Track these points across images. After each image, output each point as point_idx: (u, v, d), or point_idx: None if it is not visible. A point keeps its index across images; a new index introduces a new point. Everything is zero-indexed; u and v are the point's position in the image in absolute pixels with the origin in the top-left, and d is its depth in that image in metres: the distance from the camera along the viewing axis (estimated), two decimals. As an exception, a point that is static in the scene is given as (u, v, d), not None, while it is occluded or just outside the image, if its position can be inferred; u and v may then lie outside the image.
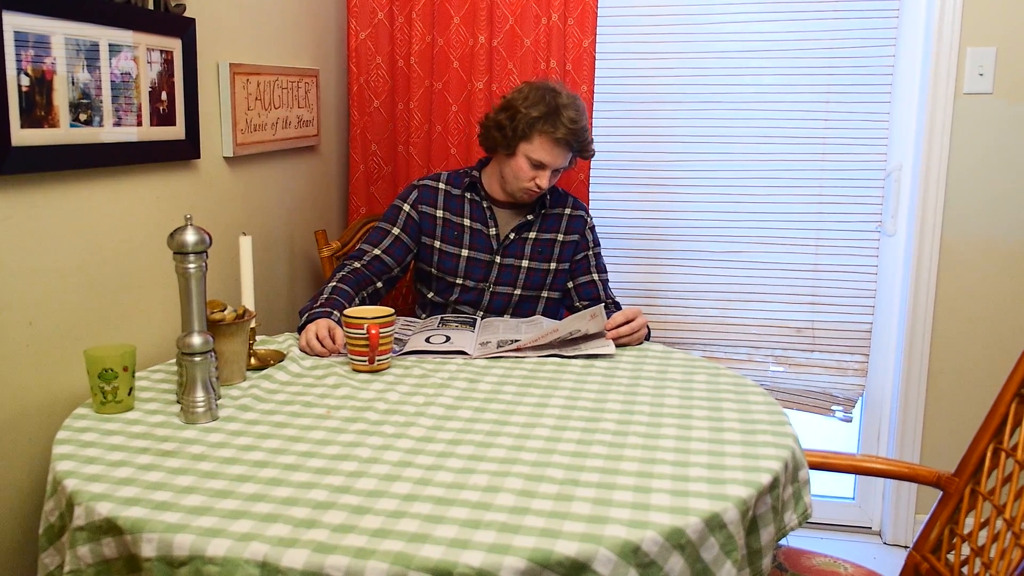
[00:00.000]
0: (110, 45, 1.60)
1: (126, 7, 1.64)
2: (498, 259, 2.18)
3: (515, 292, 2.19)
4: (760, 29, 2.62)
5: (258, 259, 2.22)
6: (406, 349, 1.80)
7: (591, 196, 2.69)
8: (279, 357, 1.73)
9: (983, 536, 1.50)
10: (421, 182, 2.24)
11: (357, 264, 2.11)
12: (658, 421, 1.43)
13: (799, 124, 2.64)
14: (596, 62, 2.59)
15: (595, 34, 2.55)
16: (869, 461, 1.69)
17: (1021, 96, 2.51)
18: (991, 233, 2.58)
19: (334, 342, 1.79)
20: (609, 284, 2.28)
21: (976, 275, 2.60)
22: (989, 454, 1.55)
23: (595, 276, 2.24)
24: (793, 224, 2.68)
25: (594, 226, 2.29)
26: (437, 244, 2.18)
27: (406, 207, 2.19)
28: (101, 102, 1.59)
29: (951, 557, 1.56)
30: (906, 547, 2.67)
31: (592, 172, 2.69)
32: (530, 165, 2.08)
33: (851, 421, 2.73)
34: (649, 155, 2.73)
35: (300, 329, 1.89)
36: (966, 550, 1.53)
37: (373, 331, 1.63)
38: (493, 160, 2.22)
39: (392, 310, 1.71)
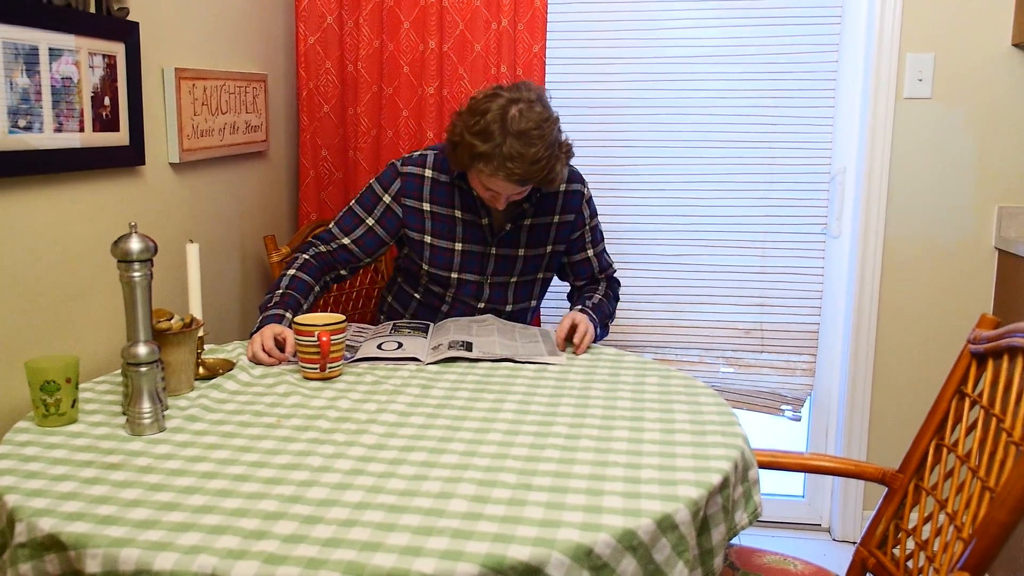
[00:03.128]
0: (50, 49, 1.57)
1: (67, 11, 1.61)
2: (493, 250, 2.06)
3: (512, 280, 2.10)
4: (707, 35, 2.66)
5: (207, 266, 2.18)
6: (358, 356, 1.79)
7: (543, 200, 2.70)
8: (228, 366, 1.71)
9: (927, 530, 1.53)
10: (404, 168, 2.04)
11: (323, 248, 2.04)
12: (610, 424, 1.44)
13: (746, 128, 2.69)
14: (546, 67, 2.60)
15: (545, 39, 2.57)
16: (817, 459, 1.72)
17: (958, 100, 2.59)
18: (932, 233, 2.65)
19: (282, 350, 1.76)
20: (606, 251, 2.21)
21: (918, 275, 2.67)
22: (932, 450, 1.59)
23: (590, 252, 2.16)
24: (741, 227, 2.72)
25: (591, 196, 2.16)
26: (428, 239, 2.04)
27: (387, 198, 2.03)
28: (41, 108, 1.55)
29: (897, 552, 1.60)
30: (855, 543, 2.73)
31: (543, 177, 2.70)
32: (483, 187, 1.94)
33: (800, 420, 2.78)
34: (599, 160, 2.75)
35: (257, 325, 1.85)
36: (911, 544, 1.56)
37: (324, 338, 1.62)
38: None
39: (343, 317, 1.69)
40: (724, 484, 1.25)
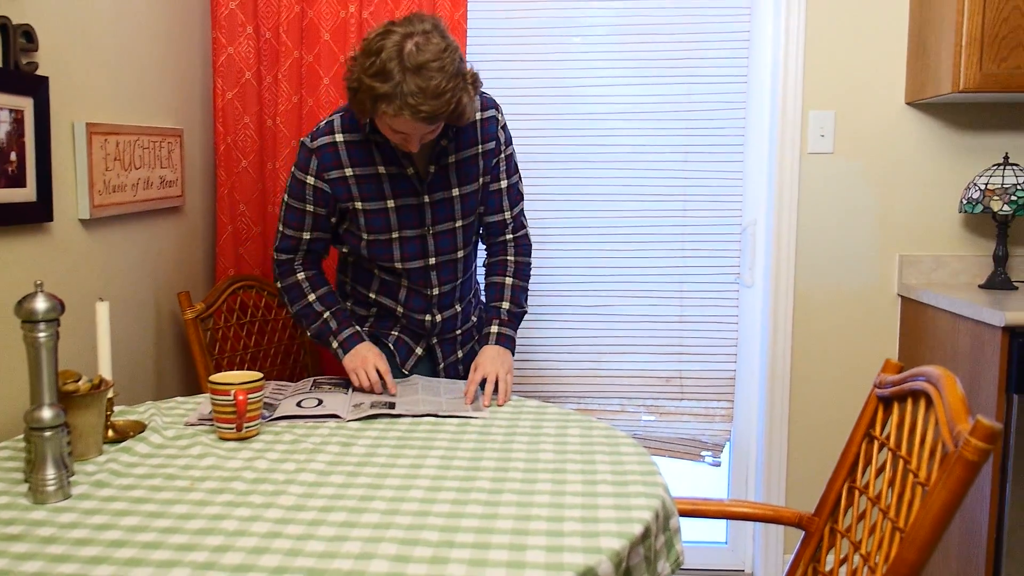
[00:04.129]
0: (-48, 105, 1.52)
1: (-30, 65, 1.57)
2: (427, 198, 1.98)
3: (455, 224, 2.02)
4: (622, 92, 2.74)
5: (118, 325, 2.12)
6: (276, 414, 1.76)
7: (464, 254, 2.71)
8: (139, 428, 1.65)
9: (843, 572, 1.57)
10: (315, 143, 1.94)
11: (298, 257, 2.04)
12: (533, 477, 1.44)
13: (660, 182, 2.77)
14: (465, 123, 2.64)
15: (464, 96, 2.60)
16: (736, 506, 1.75)
17: (858, 155, 2.72)
18: (839, 281, 2.75)
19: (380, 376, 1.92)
20: (520, 192, 2.13)
21: (828, 321, 2.76)
22: (844, 493, 1.63)
23: (503, 184, 2.08)
24: (658, 277, 2.79)
25: (506, 123, 2.09)
26: (359, 205, 1.96)
27: (309, 180, 1.95)
28: (-59, 164, 1.50)
29: (815, 595, 1.63)
30: (777, 587, 2.76)
31: (464, 230, 2.72)
32: (392, 131, 1.82)
33: (720, 465, 2.82)
34: (520, 213, 2.78)
35: (347, 348, 1.97)
36: (828, 587, 1.59)
37: (240, 397, 1.58)
38: None
39: (260, 375, 1.66)
40: (646, 534, 1.26)
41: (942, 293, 2.50)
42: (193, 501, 1.32)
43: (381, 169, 1.95)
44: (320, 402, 1.82)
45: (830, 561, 1.64)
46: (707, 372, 2.81)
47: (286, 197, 2.01)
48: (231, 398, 1.59)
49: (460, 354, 2.20)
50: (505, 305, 2.10)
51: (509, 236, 2.15)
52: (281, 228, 2.05)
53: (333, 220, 2.02)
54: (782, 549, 2.82)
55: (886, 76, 2.70)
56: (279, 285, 2.08)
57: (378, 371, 1.93)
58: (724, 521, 2.93)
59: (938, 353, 2.53)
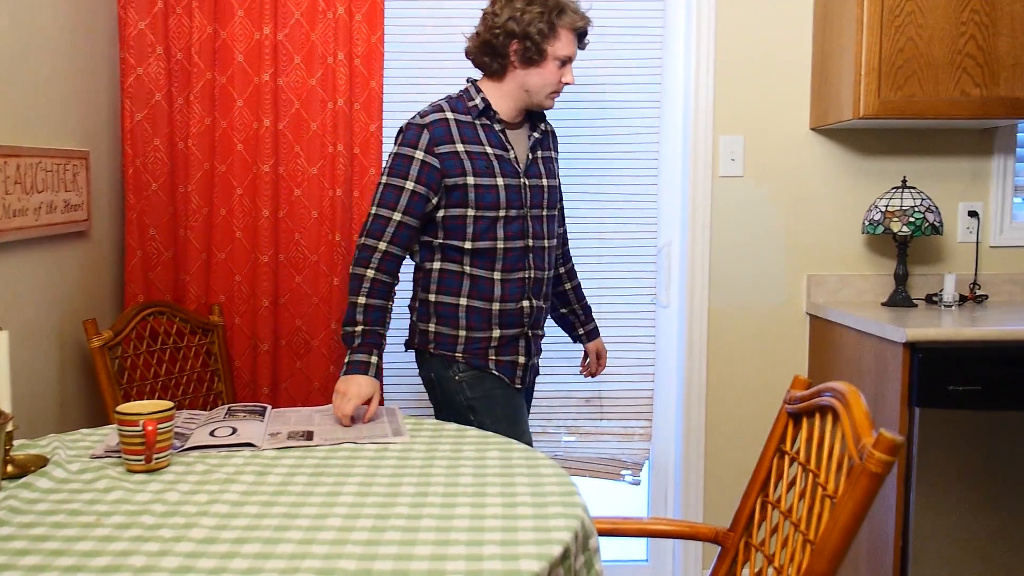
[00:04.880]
0: None
1: None
2: (524, 180, 2.10)
3: (543, 213, 2.14)
4: (538, 116, 2.78)
5: (19, 355, 2.03)
6: (188, 444, 1.71)
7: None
8: (41, 462, 1.59)
9: (758, 586, 1.60)
10: (426, 120, 2.03)
11: (383, 245, 2.01)
12: (452, 501, 1.43)
13: (577, 205, 2.80)
14: (383, 146, 2.63)
15: (382, 119, 2.60)
16: (654, 524, 1.77)
17: (766, 179, 2.81)
18: (751, 301, 2.83)
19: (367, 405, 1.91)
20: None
21: (741, 340, 2.84)
22: (758, 507, 1.67)
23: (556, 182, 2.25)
24: (577, 299, 2.81)
25: None
26: (471, 180, 2.02)
27: (418, 154, 2.01)
28: None
29: (732, 609, 1.66)
30: (696, 603, 2.80)
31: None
32: (558, 65, 2.05)
33: (640, 484, 2.86)
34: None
35: (349, 370, 1.95)
36: (744, 601, 1.63)
37: (150, 428, 1.53)
38: (496, 81, 2.10)
39: (171, 404, 1.61)
40: (565, 555, 1.26)
41: (848, 311, 2.60)
42: (98, 537, 1.27)
43: (488, 149, 2.06)
44: (234, 431, 1.78)
45: (745, 574, 1.67)
46: (626, 392, 2.84)
47: (384, 178, 2.04)
48: (139, 428, 1.54)
49: (536, 361, 2.25)
50: (587, 301, 2.45)
51: (567, 247, 2.41)
52: (373, 210, 2.04)
53: (432, 203, 2.03)
54: (701, 565, 2.86)
55: (792, 102, 2.81)
56: (350, 271, 2.06)
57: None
58: (644, 539, 2.96)
59: (845, 369, 2.62)
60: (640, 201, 2.82)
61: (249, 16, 2.56)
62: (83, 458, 1.65)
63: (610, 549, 2.93)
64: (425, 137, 2.02)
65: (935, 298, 2.76)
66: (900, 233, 2.63)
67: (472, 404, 2.11)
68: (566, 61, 2.06)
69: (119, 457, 1.62)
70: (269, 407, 1.98)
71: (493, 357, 2.13)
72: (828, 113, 2.69)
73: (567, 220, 2.79)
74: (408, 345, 2.22)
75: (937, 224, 2.63)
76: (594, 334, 2.45)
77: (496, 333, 2.12)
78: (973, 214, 2.86)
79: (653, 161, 2.82)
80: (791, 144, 2.82)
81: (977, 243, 2.87)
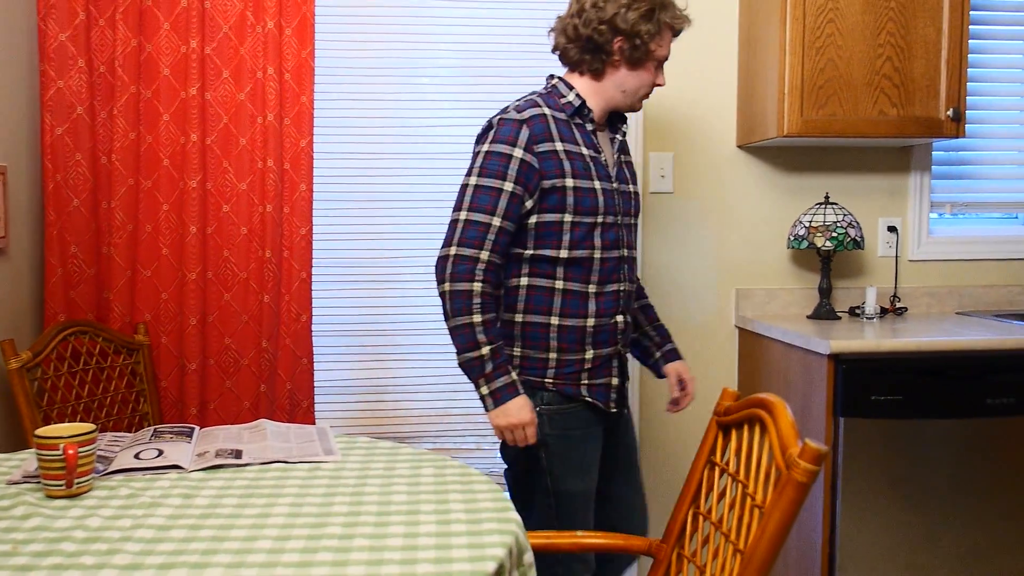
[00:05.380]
0: None
1: None
2: (615, 184, 1.98)
3: (631, 221, 2.03)
4: (469, 133, 2.78)
5: (-71, 378, 1.95)
6: (111, 468, 1.65)
7: (314, 294, 2.67)
8: (-46, 489, 1.52)
9: (690, 597, 1.62)
10: (524, 115, 1.87)
11: (484, 255, 1.83)
12: (385, 520, 1.42)
13: (511, 220, 2.81)
14: (314, 161, 2.61)
15: (312, 134, 2.58)
16: (589, 537, 1.78)
17: (695, 195, 2.87)
18: (683, 314, 2.88)
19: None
20: None
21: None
22: (690, 519, 1.69)
23: None
24: (511, 314, 2.82)
25: None
26: (570, 183, 1.87)
27: (517, 152, 1.84)
28: None
29: (665, 621, 1.67)
30: (632, 615, 2.82)
31: (315, 270, 2.68)
32: (656, 66, 1.96)
33: (575, 499, 2.86)
34: (369, 252, 2.77)
35: (499, 400, 1.85)
36: (677, 612, 1.64)
37: (70, 451, 1.48)
38: (594, 79, 1.96)
39: (93, 426, 1.56)
40: (499, 571, 1.26)
41: (774, 324, 2.66)
42: (15, 567, 1.22)
43: (584, 150, 1.92)
44: (160, 452, 1.73)
45: (678, 586, 1.69)
46: (560, 406, 2.85)
47: (475, 179, 1.86)
48: (59, 452, 1.49)
49: (626, 385, 2.12)
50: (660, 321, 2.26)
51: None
52: (465, 216, 1.85)
53: (526, 207, 1.87)
54: (636, 577, 2.89)
55: (719, 120, 2.88)
56: (446, 288, 1.84)
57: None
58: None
59: (773, 380, 2.68)
60: (573, 217, 2.85)
61: (175, 29, 2.51)
62: (-1, 484, 1.59)
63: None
64: (524, 134, 1.86)
65: (858, 311, 2.85)
66: (823, 248, 2.70)
67: (547, 440, 1.94)
68: (663, 62, 1.98)
69: (38, 483, 1.57)
70: (197, 428, 1.93)
71: (586, 381, 1.96)
72: (754, 131, 2.76)
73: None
74: None
75: (858, 239, 2.71)
76: (672, 355, 2.20)
77: (589, 354, 1.95)
78: (892, 229, 2.96)
79: (585, 177, 2.85)
80: (719, 161, 2.88)
81: (896, 257, 2.97)
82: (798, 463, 1.30)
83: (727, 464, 1.62)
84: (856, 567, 2.40)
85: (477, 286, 1.84)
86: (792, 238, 2.78)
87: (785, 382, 2.61)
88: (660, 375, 2.23)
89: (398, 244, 2.78)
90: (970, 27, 2.91)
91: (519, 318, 1.94)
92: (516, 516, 1.46)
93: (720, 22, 2.85)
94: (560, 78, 2.00)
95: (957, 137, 2.65)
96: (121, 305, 2.53)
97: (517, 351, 1.96)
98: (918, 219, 2.99)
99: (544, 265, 1.92)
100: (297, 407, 2.62)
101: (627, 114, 2.08)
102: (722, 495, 1.62)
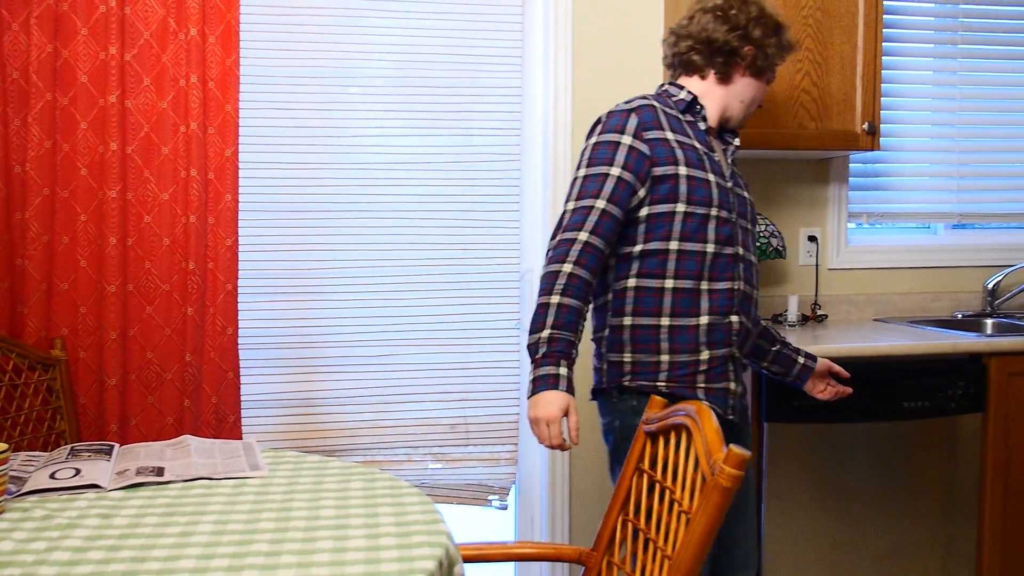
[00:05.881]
0: None
1: None
2: (730, 183, 1.94)
3: (748, 226, 1.98)
4: (401, 143, 2.78)
5: None
6: (25, 488, 1.59)
7: (241, 307, 2.62)
8: None
9: (620, 604, 1.64)
10: (631, 105, 1.88)
11: (583, 236, 1.77)
12: (313, 535, 1.40)
13: (441, 231, 2.81)
14: (240, 171, 2.57)
15: (237, 143, 2.53)
16: (520, 547, 1.79)
17: (624, 205, 2.90)
18: (611, 325, 2.91)
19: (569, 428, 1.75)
20: None
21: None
22: (619, 526, 1.71)
23: None
24: (442, 325, 2.82)
25: None
26: (683, 171, 1.84)
27: (625, 139, 1.82)
28: None
29: (596, 628, 1.68)
30: (564, 624, 2.83)
31: (241, 281, 2.63)
32: (766, 82, 2.03)
33: (507, 509, 2.87)
34: (297, 264, 2.73)
35: (535, 389, 1.76)
36: (608, 619, 1.66)
37: (-19, 472, 1.42)
38: (721, 84, 1.99)
39: (6, 446, 1.50)
40: (429, 584, 1.25)
41: (701, 332, 2.71)
42: (-81, 595, 1.17)
43: (696, 144, 1.91)
44: (78, 472, 1.67)
45: (609, 593, 1.71)
46: (491, 417, 2.86)
47: (583, 171, 1.85)
48: (-31, 474, 1.43)
49: (747, 394, 2.05)
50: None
51: None
52: (569, 205, 1.83)
53: (638, 196, 1.83)
54: (568, 586, 2.90)
55: (645, 132, 2.92)
56: (541, 271, 1.83)
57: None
58: (511, 563, 2.97)
59: (700, 388, 2.72)
60: (503, 227, 2.86)
61: (94, 35, 2.45)
62: (-98, 509, 1.51)
63: (477, 575, 2.92)
64: (633, 121, 1.85)
65: (780, 318, 2.92)
66: (747, 257, 2.77)
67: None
68: (770, 82, 2.05)
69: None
70: (117, 445, 1.88)
71: (702, 384, 1.90)
72: (679, 143, 2.80)
73: (431, 247, 2.80)
74: (596, 391, 1.97)
75: (781, 248, 2.79)
76: (814, 357, 2.23)
77: (704, 355, 1.89)
78: (813, 239, 3.05)
79: (515, 187, 2.87)
80: (646, 172, 2.92)
81: (817, 266, 3.06)
82: (723, 468, 1.33)
83: (655, 471, 1.65)
84: (781, 569, 2.45)
85: (567, 267, 1.79)
86: (717, 248, 2.83)
87: (712, 389, 2.65)
88: (801, 384, 2.23)
89: (327, 255, 2.75)
90: (884, 44, 3.03)
91: (628, 321, 1.89)
92: (446, 528, 1.45)
93: (648, 34, 2.90)
94: (669, 83, 2.04)
95: (872, 150, 2.74)
96: (36, 319, 2.45)
97: (628, 357, 1.90)
98: (837, 229, 3.09)
99: (653, 263, 1.87)
100: (223, 422, 2.56)
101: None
102: (650, 502, 1.64)
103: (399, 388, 2.79)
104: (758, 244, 2.74)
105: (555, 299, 1.78)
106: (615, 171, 1.82)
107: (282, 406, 2.72)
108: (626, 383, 1.89)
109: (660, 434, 1.66)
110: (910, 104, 3.17)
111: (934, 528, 2.53)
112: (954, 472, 2.54)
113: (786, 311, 2.91)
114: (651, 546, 1.56)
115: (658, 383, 1.88)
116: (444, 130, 2.81)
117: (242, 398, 2.63)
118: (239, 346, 2.58)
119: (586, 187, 1.83)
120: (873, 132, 2.71)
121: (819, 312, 3.05)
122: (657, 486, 1.62)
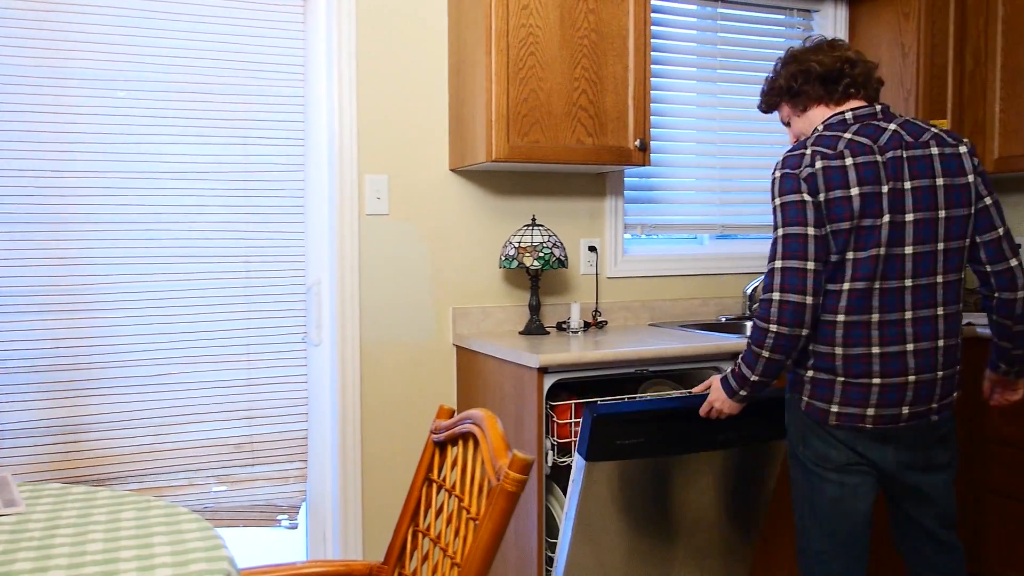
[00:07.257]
0: None
1: None
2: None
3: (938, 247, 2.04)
4: (175, 151, 2.64)
5: None
6: None
7: (-8, 327, 2.38)
8: None
9: (412, 615, 1.64)
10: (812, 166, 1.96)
11: (809, 265, 1.92)
12: (78, 573, 1.29)
13: (221, 244, 2.70)
14: (-11, 178, 2.34)
15: (-14, 148, 2.30)
16: (309, 567, 1.74)
17: (411, 217, 2.92)
18: (402, 335, 2.91)
19: None
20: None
21: (394, 374, 2.90)
22: (410, 537, 1.71)
23: None
24: (223, 341, 2.70)
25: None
26: (854, 192, 1.95)
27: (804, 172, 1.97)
28: None
29: (388, 642, 1.67)
30: (359, 641, 2.79)
31: (-8, 300, 2.39)
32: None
33: (298, 527, 2.79)
34: (57, 280, 2.52)
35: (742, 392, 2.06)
36: (400, 632, 1.65)
37: None
38: (824, 107, 2.10)
39: None
40: (209, 614, 1.19)
41: (489, 341, 2.77)
42: None
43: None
44: None
45: (400, 606, 1.70)
46: (279, 434, 2.77)
47: (782, 197, 1.98)
48: None
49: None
50: None
51: None
52: (778, 265, 1.96)
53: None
54: (362, 602, 2.86)
55: (432, 143, 2.95)
56: (782, 330, 1.96)
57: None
58: (304, 584, 2.89)
59: (489, 395, 2.78)
60: (287, 239, 2.79)
61: None
62: None
63: (268, 599, 2.81)
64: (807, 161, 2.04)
65: (564, 325, 3.04)
66: (532, 267, 2.86)
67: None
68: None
69: None
70: None
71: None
72: (465, 155, 2.86)
73: (211, 260, 2.68)
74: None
75: (563, 258, 2.90)
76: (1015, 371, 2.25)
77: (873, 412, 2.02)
78: (592, 249, 3.21)
79: (300, 199, 2.80)
80: (433, 184, 2.96)
81: (596, 275, 3.21)
82: (508, 474, 1.36)
83: (444, 480, 1.66)
84: (576, 571, 2.55)
85: (780, 331, 1.96)
86: (503, 258, 2.91)
87: (500, 396, 2.72)
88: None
89: (92, 270, 2.56)
90: (652, 67, 3.24)
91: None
92: (228, 553, 1.39)
93: (432, 46, 2.93)
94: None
95: (644, 165, 2.92)
96: None
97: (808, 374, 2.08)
98: (614, 240, 3.26)
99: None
100: (-28, 455, 2.31)
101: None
102: (440, 511, 1.65)
103: (179, 408, 2.64)
104: (541, 254, 2.84)
105: (765, 355, 2.03)
106: (803, 196, 2.01)
107: (44, 434, 2.50)
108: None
109: (448, 443, 1.68)
110: (677, 123, 3.41)
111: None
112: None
113: (569, 318, 3.03)
114: (441, 554, 1.58)
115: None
116: (222, 139, 2.70)
117: (-5, 428, 2.39)
118: (-9, 371, 2.35)
119: (788, 214, 2.03)
120: (644, 148, 2.89)
121: (599, 319, 3.20)
122: (446, 494, 1.64)
